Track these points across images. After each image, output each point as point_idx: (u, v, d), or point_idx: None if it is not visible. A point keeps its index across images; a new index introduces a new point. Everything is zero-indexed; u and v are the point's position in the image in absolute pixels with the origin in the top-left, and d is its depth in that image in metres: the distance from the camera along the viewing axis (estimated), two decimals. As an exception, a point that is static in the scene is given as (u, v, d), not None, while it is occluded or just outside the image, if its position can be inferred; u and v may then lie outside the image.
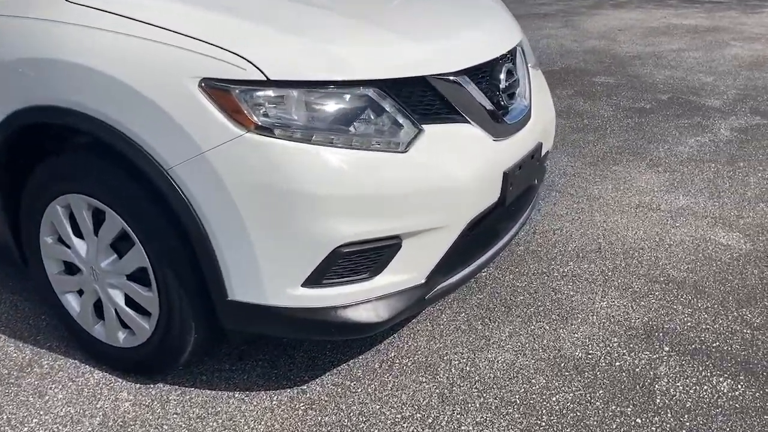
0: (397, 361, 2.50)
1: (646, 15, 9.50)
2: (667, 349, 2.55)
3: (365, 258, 2.07)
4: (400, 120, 2.05)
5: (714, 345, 2.57)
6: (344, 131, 1.99)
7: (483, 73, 2.30)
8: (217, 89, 1.91)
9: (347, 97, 1.99)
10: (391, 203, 2.02)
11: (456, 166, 2.12)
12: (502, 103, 2.36)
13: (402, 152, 2.02)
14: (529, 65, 2.81)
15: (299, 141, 1.93)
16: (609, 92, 5.78)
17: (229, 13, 2.06)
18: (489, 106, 2.27)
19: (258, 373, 2.44)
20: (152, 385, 2.38)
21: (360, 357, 2.53)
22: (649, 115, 5.20)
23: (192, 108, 1.92)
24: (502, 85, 2.35)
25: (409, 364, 2.49)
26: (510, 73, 2.42)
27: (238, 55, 1.92)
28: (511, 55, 2.51)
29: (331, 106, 1.99)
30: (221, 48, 1.93)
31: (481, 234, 2.42)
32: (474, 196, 2.19)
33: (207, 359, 2.51)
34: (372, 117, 2.03)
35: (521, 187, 2.48)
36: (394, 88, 2.03)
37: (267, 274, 2.00)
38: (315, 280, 2.03)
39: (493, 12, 2.74)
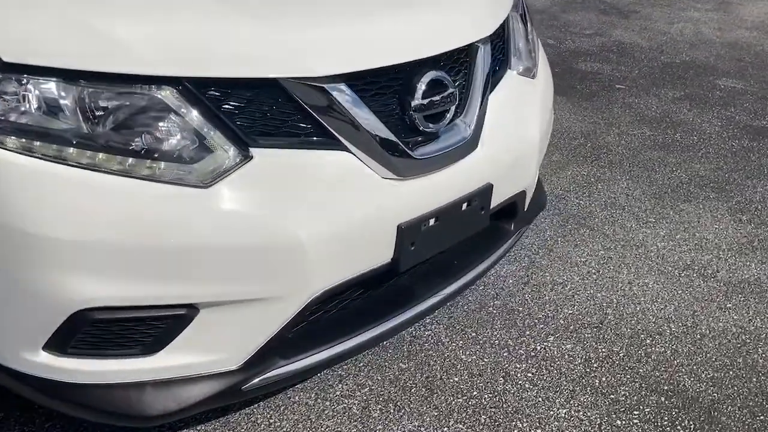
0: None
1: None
2: None
3: (134, 329, 1.47)
4: (212, 138, 1.43)
5: None
6: (107, 147, 1.37)
7: (385, 82, 1.65)
8: None
9: (124, 96, 1.39)
10: (174, 259, 1.42)
11: (302, 214, 1.50)
12: (419, 126, 1.70)
13: (204, 186, 1.41)
14: (508, 71, 2.03)
15: (30, 155, 1.34)
16: (728, 101, 4.64)
17: None
18: (382, 130, 1.62)
19: None
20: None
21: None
22: (766, 139, 4.08)
23: None
24: (416, 102, 1.67)
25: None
26: (438, 85, 1.71)
27: None
28: (449, 59, 1.78)
29: (90, 108, 1.38)
30: None
31: (367, 303, 1.81)
32: (331, 260, 1.56)
33: None
34: (162, 129, 1.42)
35: (438, 246, 1.84)
36: (216, 89, 1.44)
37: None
38: (58, 346, 1.46)
39: None
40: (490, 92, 1.93)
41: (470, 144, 1.82)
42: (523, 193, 2.12)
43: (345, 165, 1.57)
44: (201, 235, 1.42)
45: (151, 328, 1.48)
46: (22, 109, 1.36)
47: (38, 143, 1.35)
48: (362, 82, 1.58)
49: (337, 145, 1.56)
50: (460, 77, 1.81)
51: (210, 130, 1.43)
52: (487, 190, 1.86)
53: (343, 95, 1.55)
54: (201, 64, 1.43)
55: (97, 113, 1.38)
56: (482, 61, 1.88)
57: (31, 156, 1.34)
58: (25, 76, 1.35)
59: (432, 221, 1.73)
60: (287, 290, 1.54)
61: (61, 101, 1.37)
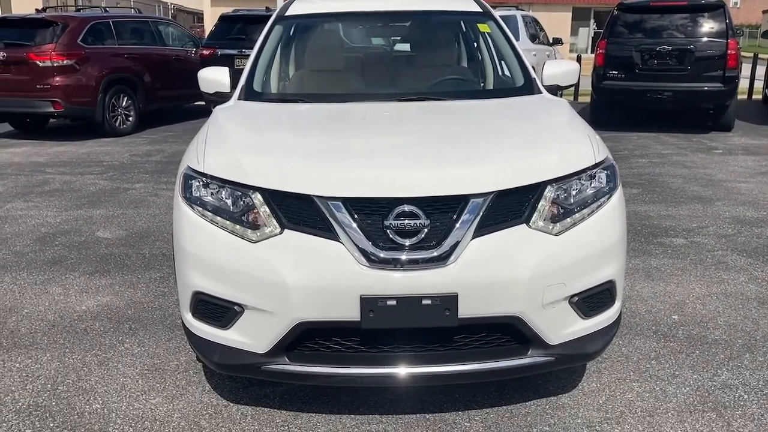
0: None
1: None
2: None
3: (218, 310, 2.69)
4: (267, 220, 2.59)
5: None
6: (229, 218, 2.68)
7: (371, 205, 2.52)
8: None
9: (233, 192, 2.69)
10: (236, 278, 2.60)
11: (295, 270, 2.51)
12: (391, 238, 2.50)
13: (255, 242, 2.58)
14: (523, 225, 2.59)
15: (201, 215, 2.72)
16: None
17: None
18: (360, 235, 2.49)
19: None
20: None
21: None
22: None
23: None
24: (388, 223, 2.50)
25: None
26: (411, 217, 2.49)
27: None
28: (428, 200, 2.50)
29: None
30: None
31: (356, 352, 2.62)
32: (308, 301, 2.49)
33: None
34: (239, 210, 2.66)
35: (398, 322, 2.51)
36: (277, 196, 2.61)
37: None
38: (191, 311, 2.79)
39: (489, 149, 2.79)
40: (484, 232, 2.51)
41: (438, 261, 2.47)
42: (516, 319, 2.54)
43: (334, 250, 2.50)
44: (249, 268, 2.56)
45: (226, 312, 2.64)
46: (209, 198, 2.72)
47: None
48: (355, 203, 2.50)
49: (334, 238, 2.50)
50: (440, 214, 2.51)
51: (269, 216, 2.58)
52: (451, 297, 2.47)
53: (340, 209, 2.50)
54: (272, 181, 2.61)
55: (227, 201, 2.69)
56: (472, 209, 2.51)
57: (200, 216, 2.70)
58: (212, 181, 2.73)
59: (390, 302, 2.46)
60: (279, 309, 2.53)
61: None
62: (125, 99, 10.66)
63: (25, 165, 8.34)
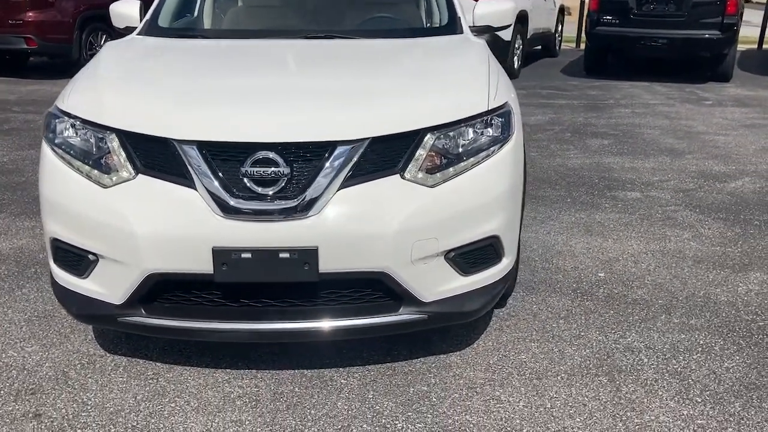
0: None
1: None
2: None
3: (75, 258, 2.56)
4: (121, 162, 2.43)
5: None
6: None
7: (229, 150, 2.35)
8: None
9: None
10: (86, 224, 2.45)
11: (145, 219, 2.35)
12: (249, 187, 2.34)
13: (107, 187, 2.42)
14: (395, 176, 2.41)
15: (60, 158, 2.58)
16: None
17: None
18: (215, 182, 2.33)
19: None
20: None
21: None
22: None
23: None
24: (245, 170, 2.34)
25: None
26: (270, 164, 2.33)
27: None
28: (292, 146, 2.34)
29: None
30: None
31: (215, 305, 2.50)
32: (159, 251, 2.35)
33: None
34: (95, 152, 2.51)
35: (254, 276, 2.37)
36: (132, 138, 2.44)
37: None
38: (52, 257, 2.70)
39: (368, 95, 2.58)
40: (353, 183, 2.34)
41: (297, 213, 2.31)
42: (383, 275, 2.39)
43: (188, 197, 2.34)
44: (99, 214, 2.40)
45: (81, 260, 2.50)
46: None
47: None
48: (211, 147, 2.35)
49: (189, 185, 2.34)
50: (303, 162, 2.34)
51: (124, 160, 2.42)
52: (311, 251, 2.31)
53: (195, 154, 2.34)
54: (127, 122, 2.45)
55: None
56: (339, 157, 2.33)
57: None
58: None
59: (245, 254, 2.30)
60: (130, 260, 2.38)
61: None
62: (104, 37, 10.42)
63: (-8, 103, 8.21)
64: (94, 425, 2.39)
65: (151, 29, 3.47)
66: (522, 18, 10.63)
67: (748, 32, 15.06)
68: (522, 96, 9.01)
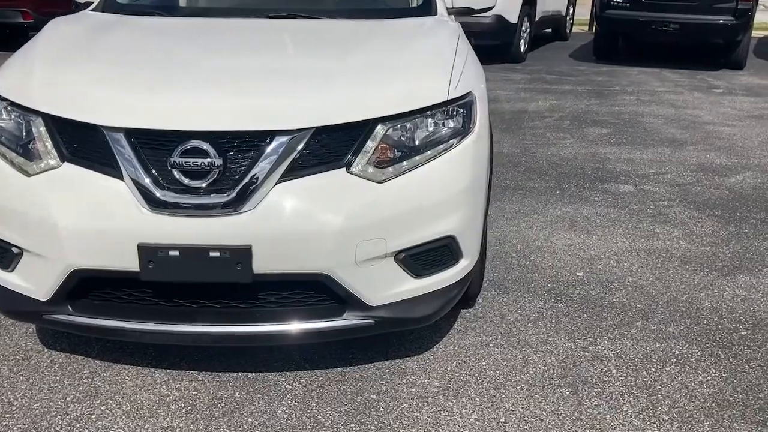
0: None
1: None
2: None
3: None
4: (46, 149, 2.25)
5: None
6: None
7: (157, 139, 2.19)
8: None
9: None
10: (8, 217, 2.29)
11: (67, 210, 2.19)
12: (178, 179, 2.18)
13: (30, 175, 2.25)
14: (340, 170, 2.23)
15: None
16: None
17: None
18: (141, 172, 2.17)
19: None
20: None
21: None
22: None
23: None
24: (173, 161, 2.17)
25: None
26: (200, 154, 2.15)
27: None
28: (226, 136, 2.17)
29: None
30: None
31: (145, 305, 2.33)
32: (82, 246, 2.20)
33: None
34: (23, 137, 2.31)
35: (182, 275, 2.22)
36: (59, 123, 2.27)
37: None
38: None
39: (314, 83, 2.38)
40: (293, 177, 2.17)
41: (229, 208, 2.15)
42: (324, 276, 2.23)
43: (114, 189, 2.17)
44: (21, 205, 2.25)
45: (5, 253, 2.34)
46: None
47: None
48: (139, 135, 2.18)
49: (117, 176, 2.17)
50: (237, 153, 2.17)
51: (51, 147, 2.25)
52: (244, 250, 2.15)
53: (122, 142, 2.17)
54: (55, 106, 2.28)
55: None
56: (278, 148, 2.16)
57: None
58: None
59: (173, 252, 2.14)
60: (52, 254, 2.22)
61: None
62: (103, 12, 10.26)
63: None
64: (15, 428, 2.26)
65: (108, 4, 3.28)
66: (530, -1, 10.34)
67: (765, 18, 14.65)
68: (525, 81, 8.78)
